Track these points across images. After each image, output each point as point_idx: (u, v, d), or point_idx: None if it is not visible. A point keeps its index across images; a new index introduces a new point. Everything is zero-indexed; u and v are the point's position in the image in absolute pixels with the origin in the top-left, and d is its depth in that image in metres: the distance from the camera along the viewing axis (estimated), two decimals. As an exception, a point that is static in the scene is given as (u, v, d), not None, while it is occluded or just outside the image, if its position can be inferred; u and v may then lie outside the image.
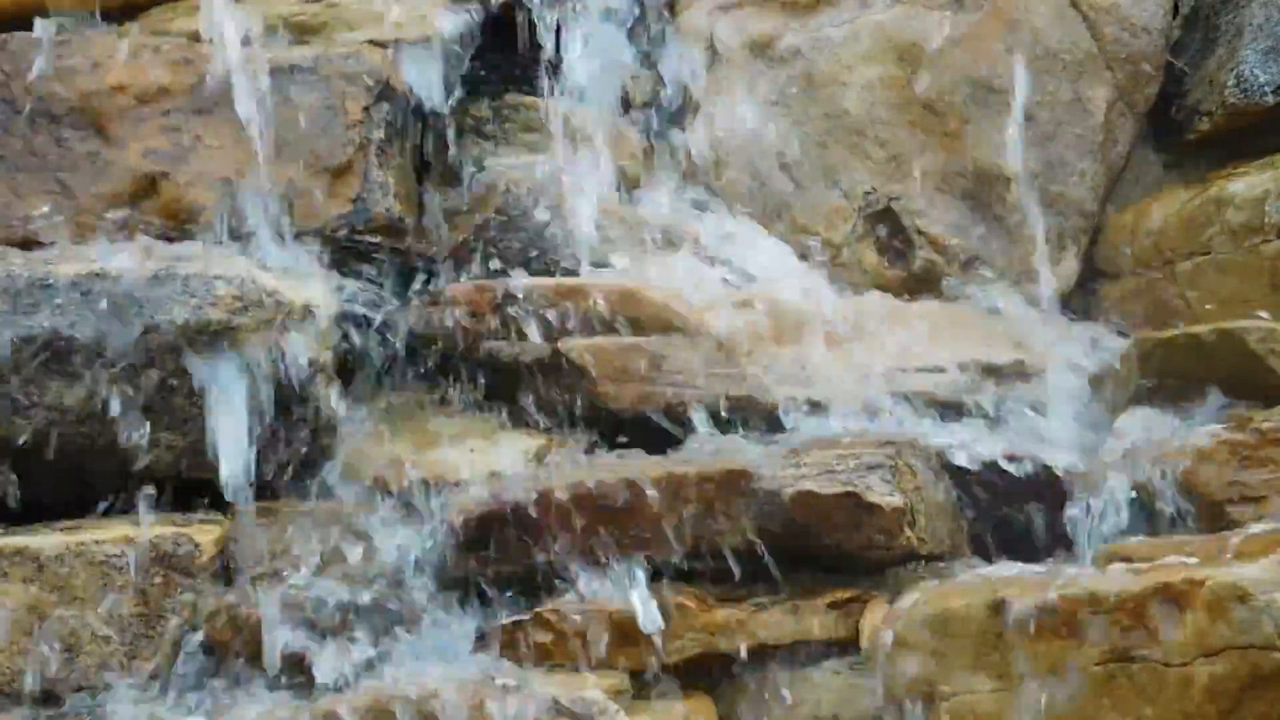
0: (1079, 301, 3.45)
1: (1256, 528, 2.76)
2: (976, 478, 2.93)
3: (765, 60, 3.47)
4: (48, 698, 2.78)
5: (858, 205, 3.41)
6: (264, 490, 2.97)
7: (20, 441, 2.87)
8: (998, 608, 2.58)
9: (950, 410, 3.12)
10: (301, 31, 3.29)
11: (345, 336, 3.10)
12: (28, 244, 3.09)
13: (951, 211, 3.42)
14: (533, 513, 2.86)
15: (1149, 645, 2.48)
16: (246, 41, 3.19)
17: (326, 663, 2.81)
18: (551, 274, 3.21)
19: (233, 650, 2.82)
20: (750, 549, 2.85)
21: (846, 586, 2.84)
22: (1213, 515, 2.83)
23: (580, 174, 3.37)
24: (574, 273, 3.22)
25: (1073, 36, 3.44)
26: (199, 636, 2.84)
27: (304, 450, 2.98)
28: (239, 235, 3.11)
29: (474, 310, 3.10)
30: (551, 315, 3.09)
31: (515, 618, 2.85)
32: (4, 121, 3.14)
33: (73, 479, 2.91)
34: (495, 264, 3.23)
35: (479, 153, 3.37)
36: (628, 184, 3.40)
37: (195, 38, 3.24)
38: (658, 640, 2.79)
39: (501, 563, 2.88)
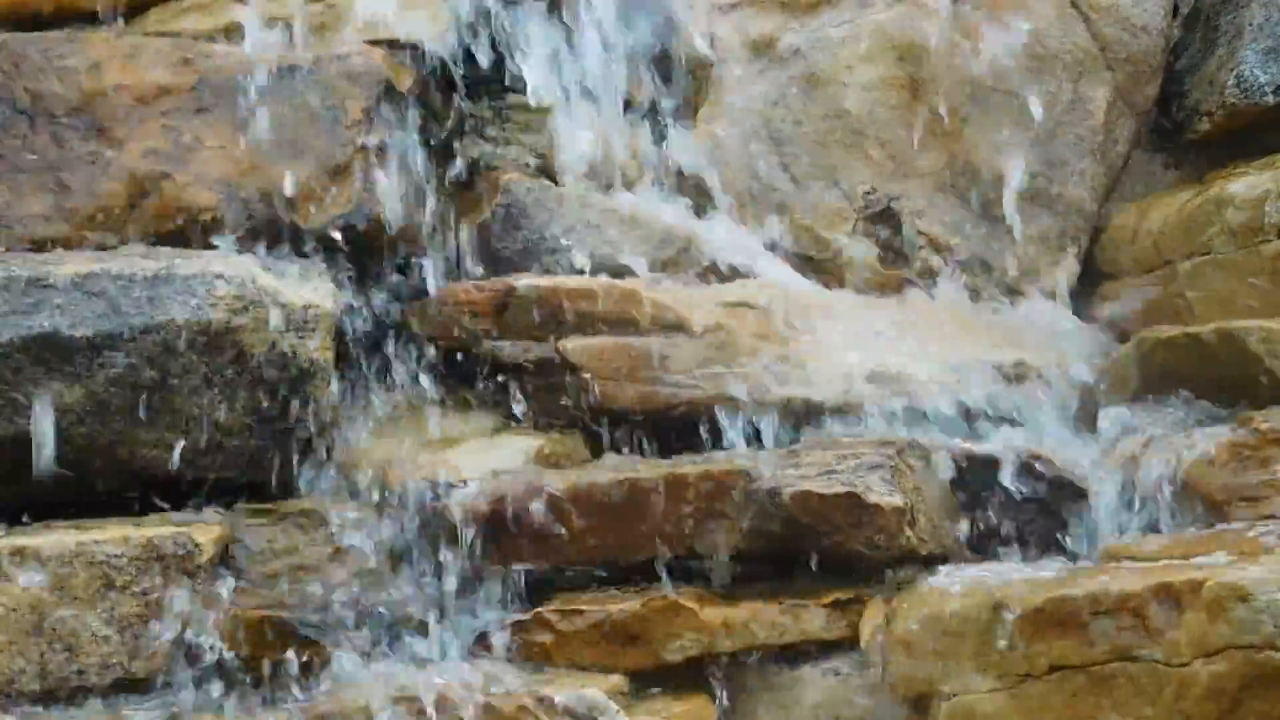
0: (1079, 301, 3.45)
1: (1256, 528, 2.76)
2: (976, 477, 2.93)
3: (765, 60, 3.47)
4: (48, 698, 2.78)
5: (858, 205, 3.41)
6: (264, 490, 2.97)
7: (20, 441, 2.86)
8: (998, 608, 2.58)
9: (950, 410, 3.11)
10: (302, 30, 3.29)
11: (345, 336, 3.10)
12: (28, 243, 3.08)
13: (951, 211, 3.42)
14: (532, 513, 2.86)
15: (1149, 645, 2.48)
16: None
17: (325, 664, 2.81)
18: (551, 274, 3.21)
19: (232, 651, 2.82)
20: (750, 549, 2.85)
21: (846, 586, 2.84)
22: (1213, 515, 2.83)
23: (581, 174, 3.37)
24: (574, 273, 3.22)
25: (1073, 36, 3.44)
26: (199, 637, 2.83)
27: (304, 450, 2.98)
28: (239, 235, 3.11)
29: (474, 310, 3.10)
30: (551, 315, 3.09)
31: (515, 618, 2.85)
32: (4, 121, 3.14)
33: (73, 479, 2.90)
34: (496, 264, 3.23)
35: (480, 153, 3.37)
36: (628, 184, 3.40)
37: (197, 37, 3.24)
38: (657, 640, 2.79)
39: (501, 563, 2.88)
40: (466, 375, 3.15)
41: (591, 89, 3.44)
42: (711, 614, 2.81)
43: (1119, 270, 3.41)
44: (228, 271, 2.94)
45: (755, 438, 3.05)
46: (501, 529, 2.87)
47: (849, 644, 2.82)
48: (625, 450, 3.06)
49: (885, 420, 3.07)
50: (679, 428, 3.06)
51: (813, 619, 2.82)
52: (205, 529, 2.87)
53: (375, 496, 2.97)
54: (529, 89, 3.37)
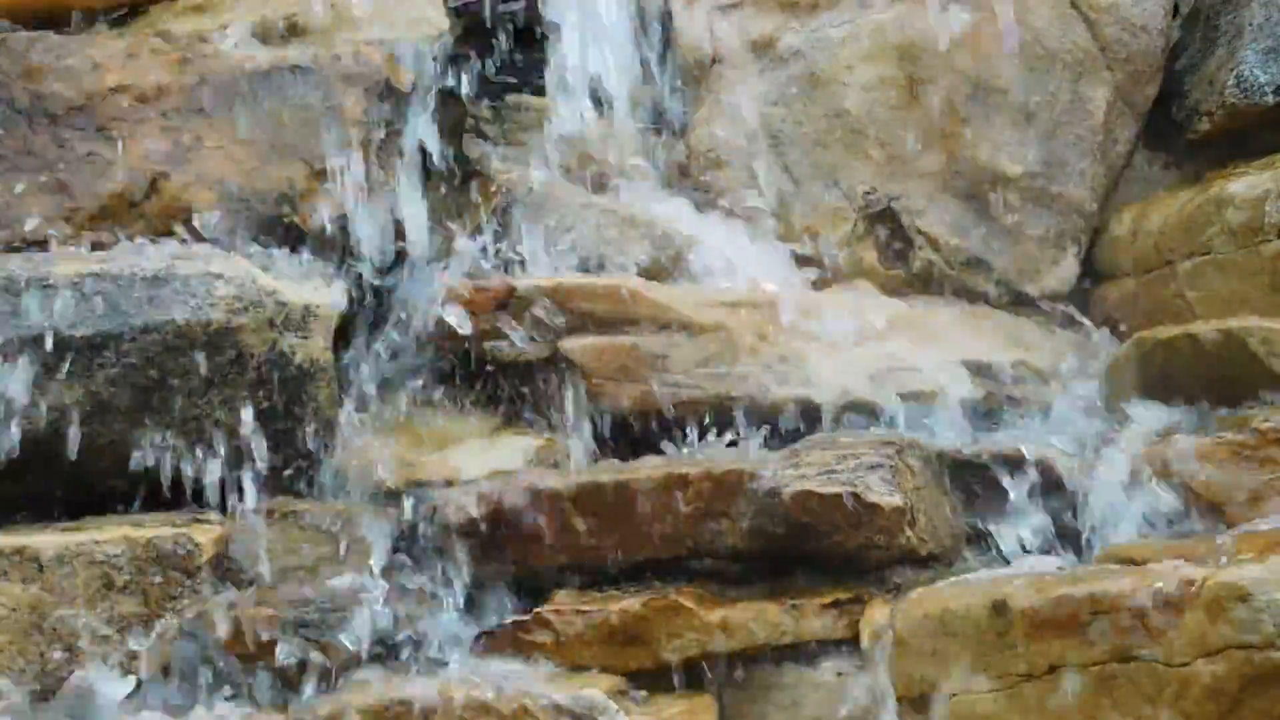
0: (1079, 301, 3.45)
1: (1256, 528, 2.76)
2: (977, 477, 2.93)
3: (765, 60, 3.47)
4: (48, 698, 2.78)
5: (858, 205, 3.41)
6: (263, 490, 2.97)
7: (20, 441, 2.87)
8: (998, 608, 2.58)
9: (950, 410, 3.11)
10: (301, 31, 3.29)
11: (344, 336, 3.10)
12: (28, 244, 3.08)
13: (951, 211, 3.42)
14: (533, 513, 2.86)
15: (1149, 645, 2.48)
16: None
17: (327, 663, 2.81)
18: (551, 273, 3.21)
19: (233, 651, 2.82)
20: (750, 549, 2.85)
21: (846, 586, 2.84)
22: (1213, 515, 2.83)
23: (581, 174, 3.38)
24: (573, 272, 3.22)
25: (1073, 36, 3.44)
26: (199, 637, 2.83)
27: (304, 450, 2.98)
28: (239, 235, 3.11)
29: (474, 310, 3.10)
30: (551, 315, 3.09)
31: (515, 618, 2.85)
32: (4, 121, 3.14)
33: (73, 479, 2.91)
34: (495, 264, 3.23)
35: (479, 153, 3.37)
36: (629, 184, 3.40)
37: (196, 37, 3.24)
38: (657, 640, 2.79)
39: (501, 563, 2.88)
40: (466, 375, 3.15)
41: (591, 88, 3.45)
42: (711, 614, 2.81)
43: (1119, 270, 3.41)
44: (228, 271, 2.94)
45: (755, 437, 3.05)
46: (501, 529, 2.87)
47: (849, 644, 2.82)
48: (625, 450, 3.06)
49: (885, 420, 3.07)
50: (679, 427, 3.06)
51: (813, 619, 2.82)
52: (205, 529, 2.87)
53: (375, 497, 2.97)
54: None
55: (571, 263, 3.24)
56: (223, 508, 2.94)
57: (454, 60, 3.35)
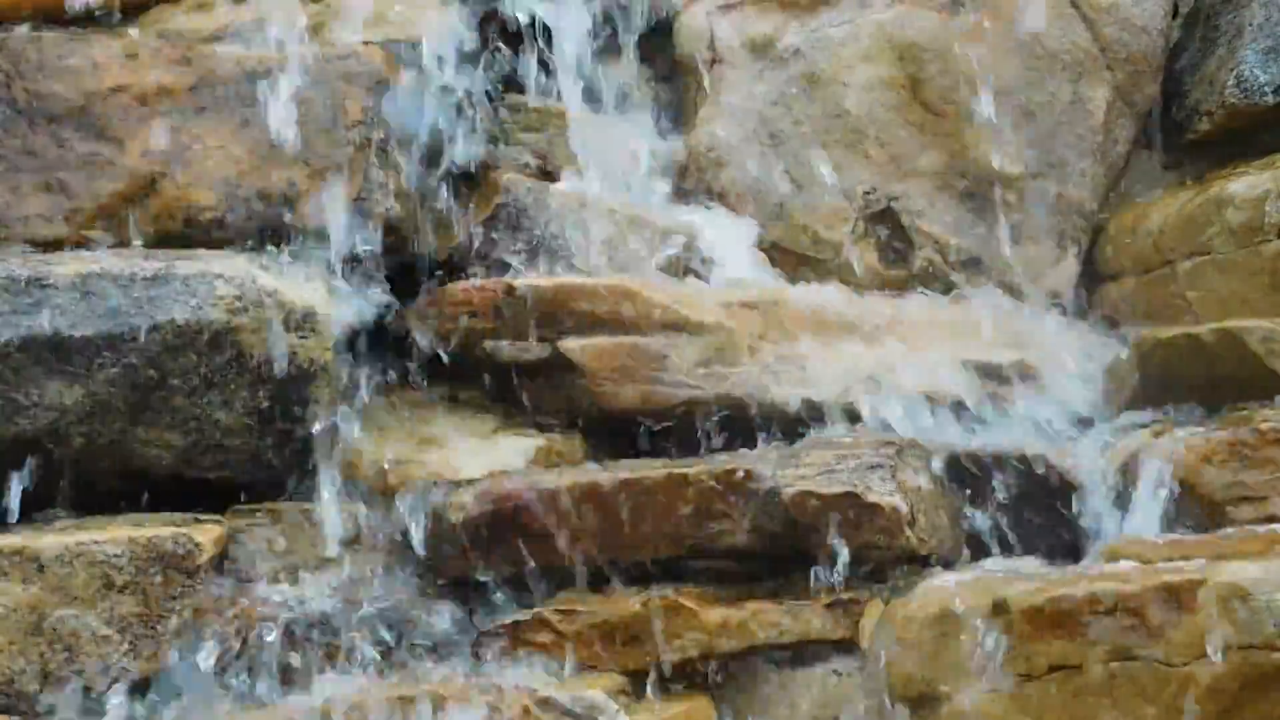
0: (1079, 302, 3.45)
1: (1256, 528, 2.76)
2: (977, 477, 2.93)
3: (765, 60, 3.47)
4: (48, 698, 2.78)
5: (858, 205, 3.41)
6: (264, 490, 2.97)
7: (20, 441, 2.87)
8: (997, 607, 2.59)
9: (950, 410, 3.12)
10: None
11: (345, 336, 3.10)
12: (28, 244, 3.08)
13: (951, 211, 3.42)
14: (532, 513, 2.86)
15: (1149, 645, 2.49)
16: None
17: (326, 663, 2.81)
18: (551, 273, 3.21)
19: (231, 650, 2.82)
20: (750, 549, 2.85)
21: (847, 586, 2.84)
22: (1213, 515, 2.83)
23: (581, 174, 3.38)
24: (573, 272, 3.22)
25: (1073, 36, 3.44)
26: (199, 637, 2.84)
27: (303, 450, 2.98)
28: (239, 235, 3.11)
29: (474, 310, 3.11)
30: (551, 315, 3.09)
31: (515, 618, 2.85)
32: (4, 121, 3.13)
33: (72, 479, 2.90)
34: (495, 264, 3.23)
35: (480, 152, 3.37)
36: (627, 183, 3.40)
37: (196, 37, 3.24)
38: (658, 640, 2.79)
39: (501, 563, 2.88)
40: (466, 375, 3.15)
41: (591, 88, 3.45)
42: (711, 614, 2.81)
43: (1119, 270, 3.41)
44: (228, 271, 2.94)
45: (755, 437, 3.05)
46: (501, 529, 2.87)
47: (849, 644, 2.82)
48: (625, 450, 3.06)
49: (885, 420, 3.07)
50: (679, 428, 3.06)
51: (813, 619, 2.82)
52: (205, 529, 2.87)
53: (375, 497, 2.97)
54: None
55: (571, 262, 3.23)
56: (223, 508, 2.94)
57: (454, 60, 3.35)
